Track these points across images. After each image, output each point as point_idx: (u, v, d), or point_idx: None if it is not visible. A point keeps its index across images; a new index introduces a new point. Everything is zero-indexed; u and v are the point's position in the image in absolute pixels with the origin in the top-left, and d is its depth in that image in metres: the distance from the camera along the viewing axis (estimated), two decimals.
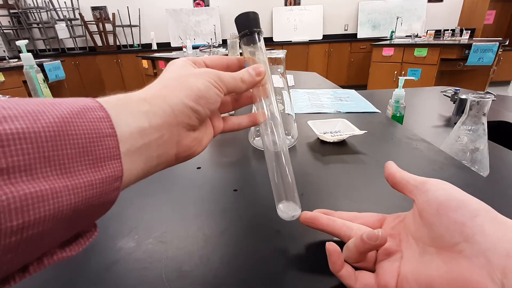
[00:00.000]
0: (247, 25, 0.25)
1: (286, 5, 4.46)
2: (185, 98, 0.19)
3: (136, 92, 0.19)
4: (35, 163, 0.11)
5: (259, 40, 0.26)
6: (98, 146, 0.14)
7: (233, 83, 0.23)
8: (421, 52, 3.02)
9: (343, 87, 1.08)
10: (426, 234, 0.20)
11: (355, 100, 0.85)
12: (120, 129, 0.15)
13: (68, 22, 4.15)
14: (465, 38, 3.27)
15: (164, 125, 0.18)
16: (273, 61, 0.48)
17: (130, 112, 0.17)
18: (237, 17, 0.25)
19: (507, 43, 2.94)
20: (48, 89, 0.78)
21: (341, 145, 0.52)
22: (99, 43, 4.32)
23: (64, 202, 0.12)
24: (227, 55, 0.75)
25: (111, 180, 0.14)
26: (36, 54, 4.09)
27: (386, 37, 4.26)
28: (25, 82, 2.26)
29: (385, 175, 0.26)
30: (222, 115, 0.27)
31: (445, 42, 3.01)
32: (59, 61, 2.83)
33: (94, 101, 0.15)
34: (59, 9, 4.10)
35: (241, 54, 0.28)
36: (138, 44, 4.52)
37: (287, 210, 0.26)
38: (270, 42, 4.52)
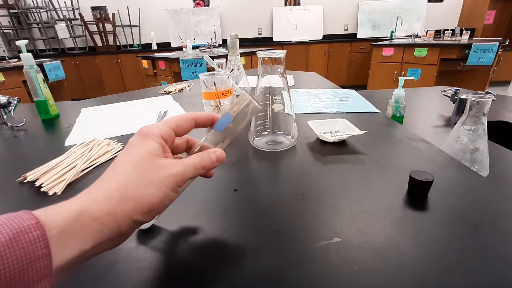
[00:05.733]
0: None
1: (286, 5, 4.46)
2: (135, 214, 0.20)
3: (93, 198, 0.19)
4: None
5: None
6: (30, 270, 0.15)
7: (194, 174, 0.23)
8: (421, 52, 3.02)
9: (343, 87, 1.08)
10: None
11: (355, 100, 0.85)
12: (63, 252, 0.16)
13: (68, 22, 4.15)
14: (465, 38, 3.27)
15: (106, 241, 0.19)
16: (273, 61, 0.48)
17: (78, 236, 0.17)
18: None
19: (507, 43, 2.94)
20: (48, 89, 0.78)
21: (341, 145, 0.52)
22: (99, 43, 4.32)
23: None
24: (227, 55, 0.75)
25: None
26: (36, 54, 4.09)
27: (386, 37, 4.26)
28: (25, 82, 2.26)
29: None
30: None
31: (445, 42, 3.01)
32: (59, 61, 2.83)
33: (31, 218, 0.16)
34: (59, 9, 4.10)
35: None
36: (138, 44, 4.52)
37: None
38: (270, 42, 4.52)
